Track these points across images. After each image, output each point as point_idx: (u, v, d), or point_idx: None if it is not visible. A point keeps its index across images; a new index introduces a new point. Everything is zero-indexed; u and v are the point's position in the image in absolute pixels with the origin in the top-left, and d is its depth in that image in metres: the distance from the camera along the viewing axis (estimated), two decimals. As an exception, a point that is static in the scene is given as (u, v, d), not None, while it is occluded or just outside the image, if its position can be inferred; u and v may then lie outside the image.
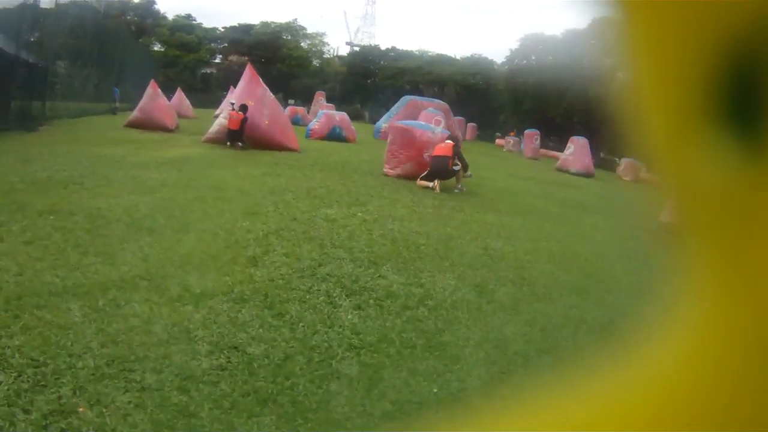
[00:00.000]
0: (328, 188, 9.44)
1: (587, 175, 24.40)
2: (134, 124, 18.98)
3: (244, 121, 14.40)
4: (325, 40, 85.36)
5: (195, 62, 69.48)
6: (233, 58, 70.96)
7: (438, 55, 67.87)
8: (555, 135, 38.59)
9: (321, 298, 4.40)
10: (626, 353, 0.32)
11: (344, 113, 24.33)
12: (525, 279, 5.75)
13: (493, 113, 53.62)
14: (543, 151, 36.83)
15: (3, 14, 18.11)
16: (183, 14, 74.02)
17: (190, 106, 34.07)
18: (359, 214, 7.55)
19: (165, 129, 18.73)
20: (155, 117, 19.03)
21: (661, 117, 0.28)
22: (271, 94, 16.16)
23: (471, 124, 39.14)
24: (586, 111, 35.72)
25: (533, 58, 51.18)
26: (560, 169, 25.33)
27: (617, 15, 0.28)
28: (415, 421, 3.11)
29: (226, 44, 74.05)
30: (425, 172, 11.32)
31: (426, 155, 11.73)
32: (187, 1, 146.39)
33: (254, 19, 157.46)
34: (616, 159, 31.52)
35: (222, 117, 15.80)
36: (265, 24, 72.45)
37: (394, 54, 70.50)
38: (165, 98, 20.71)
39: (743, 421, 0.27)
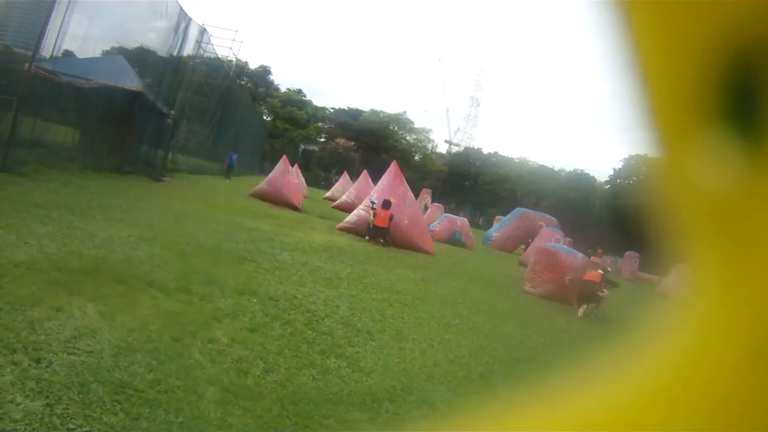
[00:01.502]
0: (488, 303, 10.13)
1: (689, 303, 23.99)
2: (260, 195, 19.50)
3: (390, 218, 14.89)
4: (431, 136, 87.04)
5: (300, 138, 71.21)
6: (340, 140, 72.90)
7: (540, 166, 68.62)
8: (648, 258, 38.20)
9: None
10: (628, 354, 0.35)
11: (465, 219, 25.18)
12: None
13: (587, 229, 53.48)
14: (639, 273, 36.50)
15: (148, 58, 19.03)
16: (294, 88, 76.88)
17: (305, 185, 34.42)
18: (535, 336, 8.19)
19: (291, 207, 19.16)
20: (283, 193, 19.51)
21: (663, 118, 0.30)
22: (412, 194, 16.66)
23: (567, 239, 39.14)
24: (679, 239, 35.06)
25: (635, 179, 51.18)
26: (661, 294, 24.98)
27: (621, 16, 0.29)
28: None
29: (333, 125, 76.01)
30: (581, 301, 11.76)
31: (566, 279, 12.28)
32: (299, 75, 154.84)
33: (361, 103, 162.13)
34: None
35: (361, 209, 16.22)
36: (374, 112, 74.83)
37: (495, 159, 71.41)
38: (293, 175, 21.18)
39: (743, 420, 0.28)
